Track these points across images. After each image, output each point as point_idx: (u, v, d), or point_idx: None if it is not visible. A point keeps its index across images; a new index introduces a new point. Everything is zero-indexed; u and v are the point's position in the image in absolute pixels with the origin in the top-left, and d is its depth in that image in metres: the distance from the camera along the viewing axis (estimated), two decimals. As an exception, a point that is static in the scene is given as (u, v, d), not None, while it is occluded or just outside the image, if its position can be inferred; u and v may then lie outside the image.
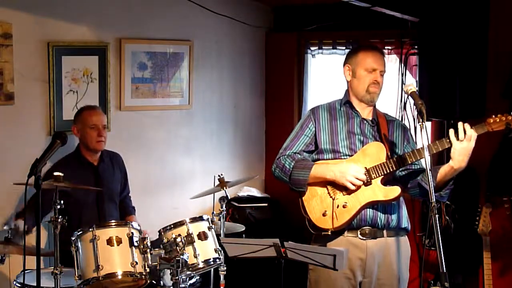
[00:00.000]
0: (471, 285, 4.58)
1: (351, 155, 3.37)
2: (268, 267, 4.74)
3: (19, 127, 4.53)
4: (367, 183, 3.28)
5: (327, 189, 3.37)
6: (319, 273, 3.41)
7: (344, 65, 3.49)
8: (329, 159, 3.41)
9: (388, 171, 3.26)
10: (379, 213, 3.33)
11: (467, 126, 3.09)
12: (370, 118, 3.45)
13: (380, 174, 3.28)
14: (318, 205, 3.38)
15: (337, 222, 3.30)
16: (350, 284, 3.38)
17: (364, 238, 3.34)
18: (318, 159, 3.45)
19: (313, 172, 3.35)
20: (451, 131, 3.12)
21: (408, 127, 3.62)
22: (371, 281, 3.38)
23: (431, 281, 4.47)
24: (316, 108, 3.52)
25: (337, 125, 3.43)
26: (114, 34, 4.95)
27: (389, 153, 3.31)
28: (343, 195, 3.32)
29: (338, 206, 3.32)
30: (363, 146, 3.37)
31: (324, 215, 3.34)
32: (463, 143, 3.08)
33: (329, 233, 3.31)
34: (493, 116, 3.10)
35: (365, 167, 3.30)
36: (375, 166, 3.29)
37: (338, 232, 3.34)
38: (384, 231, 3.37)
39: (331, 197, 3.35)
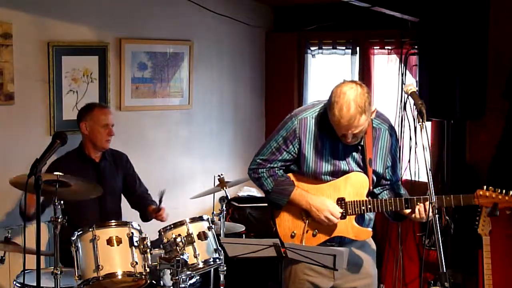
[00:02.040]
0: (471, 285, 4.58)
1: (333, 180, 3.27)
2: (268, 267, 4.75)
3: (19, 127, 4.54)
4: (342, 217, 3.22)
5: (302, 211, 3.28)
6: (288, 272, 3.38)
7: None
8: (309, 179, 3.28)
9: (364, 212, 3.22)
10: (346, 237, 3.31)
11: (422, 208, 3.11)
12: (355, 143, 3.24)
13: (356, 213, 3.21)
14: (288, 221, 3.31)
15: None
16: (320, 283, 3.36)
17: (332, 243, 3.29)
18: (298, 174, 3.32)
19: (291, 198, 3.26)
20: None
21: (394, 131, 3.38)
22: (345, 281, 3.34)
23: (431, 281, 4.46)
24: (304, 121, 3.23)
25: (322, 148, 3.23)
26: (114, 34, 4.95)
27: (371, 187, 3.24)
28: (315, 221, 3.24)
29: (307, 231, 3.26)
30: (346, 173, 3.25)
31: (292, 236, 3.29)
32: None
33: None
34: (485, 188, 3.07)
35: (344, 198, 3.23)
36: (353, 202, 3.21)
37: None
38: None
39: (303, 219, 3.28)
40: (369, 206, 3.18)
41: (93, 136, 4.24)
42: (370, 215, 3.36)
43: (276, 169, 3.32)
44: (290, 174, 3.33)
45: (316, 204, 3.21)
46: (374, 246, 3.48)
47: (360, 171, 3.24)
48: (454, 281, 4.49)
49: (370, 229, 3.29)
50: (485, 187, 3.07)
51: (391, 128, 3.34)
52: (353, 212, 3.21)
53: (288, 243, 3.12)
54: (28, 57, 4.52)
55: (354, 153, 3.25)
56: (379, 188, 3.35)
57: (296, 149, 3.25)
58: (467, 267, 4.58)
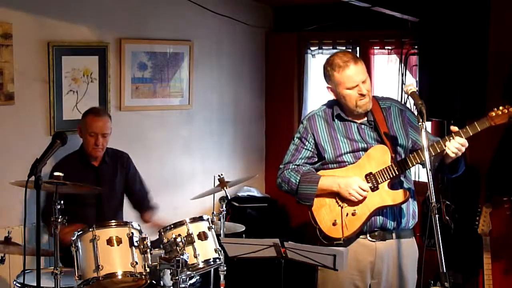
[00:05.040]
0: (471, 285, 4.57)
1: (356, 162, 3.35)
2: (268, 267, 4.74)
3: (19, 127, 4.54)
4: (374, 189, 3.28)
5: (336, 198, 3.34)
6: (326, 273, 3.39)
7: (326, 84, 3.43)
8: (334, 168, 3.38)
9: (394, 175, 3.25)
10: (388, 217, 3.33)
11: (458, 139, 3.13)
12: (366, 120, 3.39)
13: (386, 179, 3.27)
14: (327, 214, 3.36)
15: (347, 231, 3.29)
16: (357, 287, 3.38)
17: (374, 240, 3.34)
18: (323, 169, 3.42)
19: (320, 185, 3.33)
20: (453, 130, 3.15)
21: (405, 106, 3.51)
22: (380, 282, 3.38)
23: (431, 281, 4.46)
24: (311, 118, 3.45)
25: (336, 134, 3.38)
26: (114, 34, 4.96)
27: (393, 155, 3.29)
28: (352, 203, 3.30)
29: (347, 215, 3.30)
30: (366, 151, 3.33)
31: (334, 224, 3.32)
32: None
33: (342, 241, 3.29)
34: (495, 108, 3.10)
35: (371, 172, 3.29)
36: (380, 170, 3.27)
37: (349, 240, 3.33)
38: (394, 233, 3.36)
39: (339, 205, 3.33)
40: (396, 168, 3.25)
41: (83, 142, 4.26)
42: (403, 185, 3.36)
43: (301, 166, 3.44)
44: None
45: (343, 181, 3.29)
46: (417, 253, 3.51)
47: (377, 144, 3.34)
48: (454, 281, 4.49)
49: (403, 190, 3.30)
50: (495, 108, 3.10)
51: (400, 104, 3.54)
52: (383, 179, 3.28)
53: (288, 242, 3.12)
54: (28, 57, 4.52)
55: (369, 132, 3.37)
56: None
57: (312, 144, 3.42)
58: (467, 267, 4.58)
